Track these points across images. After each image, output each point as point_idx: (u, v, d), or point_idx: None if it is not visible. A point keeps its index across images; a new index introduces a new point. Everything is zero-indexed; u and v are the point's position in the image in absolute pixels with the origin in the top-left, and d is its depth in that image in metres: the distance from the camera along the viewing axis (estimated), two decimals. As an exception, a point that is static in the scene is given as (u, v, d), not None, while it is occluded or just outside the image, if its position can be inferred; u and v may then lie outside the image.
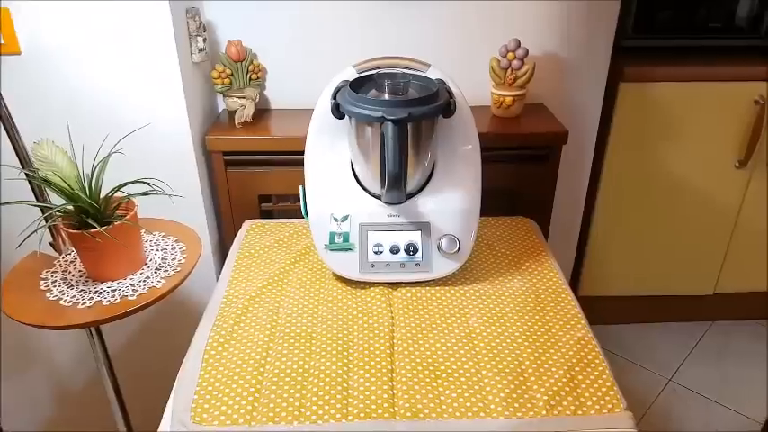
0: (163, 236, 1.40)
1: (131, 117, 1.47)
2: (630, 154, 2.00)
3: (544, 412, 0.95)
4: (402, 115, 1.08)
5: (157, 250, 1.34)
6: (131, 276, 1.25)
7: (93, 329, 1.31)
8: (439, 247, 1.23)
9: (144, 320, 1.76)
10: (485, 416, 0.95)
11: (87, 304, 1.18)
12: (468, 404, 0.97)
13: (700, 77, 1.92)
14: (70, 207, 1.19)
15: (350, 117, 1.17)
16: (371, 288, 1.25)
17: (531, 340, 1.10)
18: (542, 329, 1.13)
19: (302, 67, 1.77)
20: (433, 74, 1.24)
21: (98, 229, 1.13)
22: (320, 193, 1.27)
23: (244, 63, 1.69)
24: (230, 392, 0.99)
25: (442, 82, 1.21)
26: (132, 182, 1.22)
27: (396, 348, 1.09)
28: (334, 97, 1.18)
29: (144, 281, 1.24)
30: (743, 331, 2.36)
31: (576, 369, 1.03)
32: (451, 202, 1.25)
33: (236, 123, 1.67)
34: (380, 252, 1.23)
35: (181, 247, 1.35)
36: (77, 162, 1.20)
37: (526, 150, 1.69)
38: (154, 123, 1.49)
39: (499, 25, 1.73)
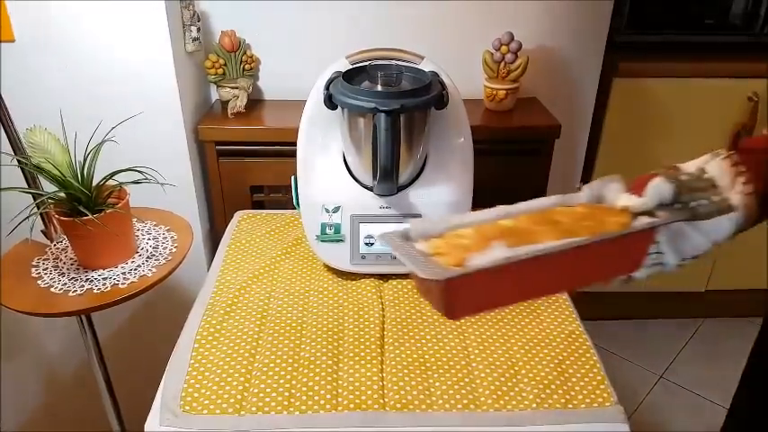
0: (154, 225, 1.39)
1: (124, 106, 1.46)
2: (623, 149, 2.01)
3: (534, 405, 0.95)
4: (395, 106, 1.08)
5: (149, 239, 1.34)
6: (122, 265, 1.25)
7: (83, 317, 1.30)
8: (430, 240, 1.23)
9: (134, 309, 1.76)
10: (474, 408, 0.95)
11: (78, 292, 1.17)
12: (457, 396, 0.97)
13: (694, 73, 1.92)
14: (62, 194, 1.19)
15: (342, 108, 1.17)
16: (362, 279, 1.25)
17: (521, 334, 1.10)
18: (533, 323, 1.13)
19: (295, 57, 1.76)
20: (426, 66, 1.24)
21: (90, 216, 1.13)
22: (312, 183, 1.27)
23: (237, 53, 1.68)
24: (220, 381, 0.99)
25: (435, 74, 1.21)
26: (124, 170, 1.22)
27: (386, 340, 1.09)
28: (327, 88, 1.18)
29: (135, 269, 1.24)
30: (734, 328, 2.37)
31: (567, 363, 1.04)
32: (443, 194, 1.25)
33: (228, 113, 1.67)
34: (372, 244, 1.23)
35: (172, 237, 1.35)
36: (70, 149, 1.20)
37: (519, 144, 1.69)
38: (147, 112, 1.48)
39: (492, 18, 1.73)
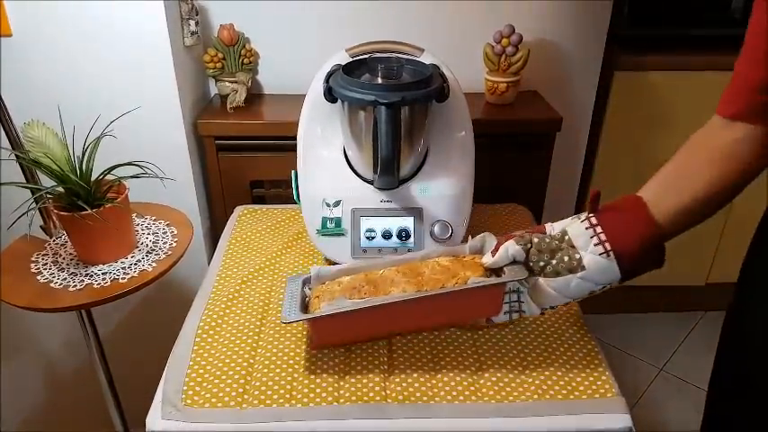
0: (154, 220, 1.39)
1: (122, 100, 1.46)
2: (624, 142, 2.00)
3: (536, 396, 0.95)
4: (395, 99, 1.07)
5: (149, 234, 1.33)
6: (122, 260, 1.25)
7: (83, 312, 1.30)
8: (431, 233, 1.22)
9: (134, 304, 1.76)
10: (476, 399, 0.95)
11: (78, 287, 1.17)
12: (459, 388, 0.96)
13: (695, 67, 1.92)
14: (61, 189, 1.18)
15: (342, 101, 1.17)
16: (363, 273, 1.24)
17: (522, 326, 1.10)
18: (538, 317, 1.12)
19: (295, 51, 1.76)
20: (426, 59, 1.23)
21: (89, 211, 1.13)
22: (312, 178, 1.26)
23: (236, 47, 1.67)
24: (221, 375, 0.99)
25: (435, 67, 1.20)
26: (124, 164, 1.21)
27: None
28: (327, 81, 1.17)
29: (135, 264, 1.23)
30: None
31: (569, 354, 1.03)
32: (444, 187, 1.24)
33: (228, 108, 1.67)
34: (373, 237, 1.23)
35: (172, 232, 1.35)
36: (68, 144, 1.19)
37: (520, 137, 1.69)
38: (145, 107, 1.47)
39: (493, 11, 1.72)
